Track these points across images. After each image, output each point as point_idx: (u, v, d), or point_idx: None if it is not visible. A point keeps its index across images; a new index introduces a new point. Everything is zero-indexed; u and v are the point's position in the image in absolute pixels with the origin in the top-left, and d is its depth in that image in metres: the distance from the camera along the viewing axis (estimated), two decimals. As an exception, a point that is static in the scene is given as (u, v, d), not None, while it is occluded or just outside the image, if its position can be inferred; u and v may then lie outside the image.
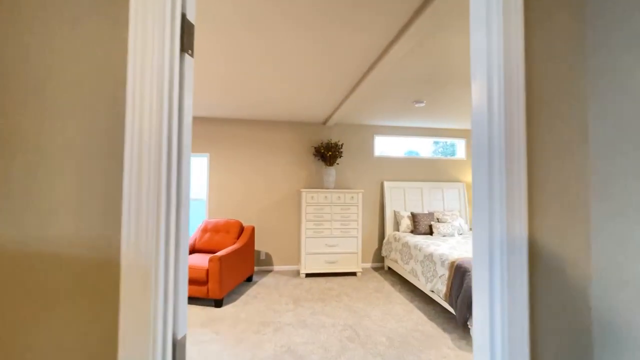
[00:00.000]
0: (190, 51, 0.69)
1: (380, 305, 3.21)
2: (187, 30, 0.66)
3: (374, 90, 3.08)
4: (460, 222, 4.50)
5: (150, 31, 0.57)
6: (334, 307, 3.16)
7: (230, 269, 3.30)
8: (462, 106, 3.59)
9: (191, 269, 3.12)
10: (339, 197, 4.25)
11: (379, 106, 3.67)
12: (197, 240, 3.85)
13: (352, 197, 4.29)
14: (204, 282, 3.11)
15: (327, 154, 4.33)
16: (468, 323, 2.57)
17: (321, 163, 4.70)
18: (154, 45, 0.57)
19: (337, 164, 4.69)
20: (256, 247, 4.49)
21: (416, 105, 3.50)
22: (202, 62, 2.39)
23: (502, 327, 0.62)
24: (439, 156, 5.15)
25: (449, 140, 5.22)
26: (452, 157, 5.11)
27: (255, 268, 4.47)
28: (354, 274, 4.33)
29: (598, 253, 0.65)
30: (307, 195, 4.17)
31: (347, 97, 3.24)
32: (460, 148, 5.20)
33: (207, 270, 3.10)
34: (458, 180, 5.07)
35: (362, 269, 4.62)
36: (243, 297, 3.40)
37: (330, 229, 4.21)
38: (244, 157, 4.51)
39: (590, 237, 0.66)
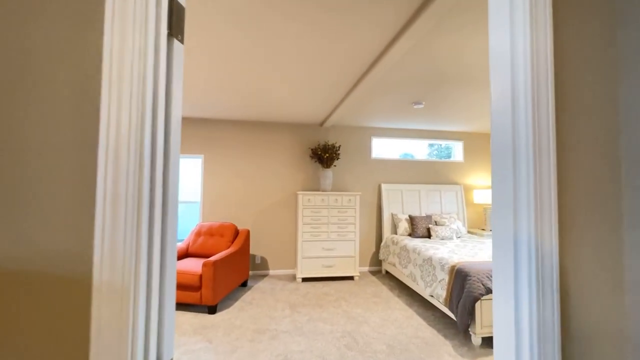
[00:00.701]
0: (180, 37, 0.61)
1: (379, 311, 3.14)
2: (176, 13, 0.58)
3: (372, 91, 3.02)
4: (458, 225, 4.46)
5: (131, 10, 0.49)
6: (332, 313, 3.07)
7: (224, 273, 3.20)
8: (461, 107, 3.56)
9: (183, 274, 3.00)
10: (336, 199, 4.18)
11: (377, 107, 3.62)
12: (190, 244, 3.73)
13: (350, 199, 4.22)
14: (197, 288, 3.00)
15: (324, 155, 4.26)
16: (469, 329, 2.51)
17: (318, 165, 4.62)
18: (135, 26, 0.49)
19: (334, 166, 4.62)
20: (251, 251, 4.38)
21: (415, 107, 3.45)
22: (195, 60, 2.30)
23: None
24: (436, 159, 5.11)
25: (445, 144, 5.19)
26: (450, 160, 5.08)
27: (251, 272, 4.37)
28: (351, 278, 4.25)
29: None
30: (304, 198, 4.09)
31: (344, 98, 3.17)
32: (457, 150, 5.17)
33: (201, 275, 2.99)
34: (455, 183, 5.04)
35: (360, 272, 4.54)
36: (238, 303, 3.30)
37: (327, 232, 4.13)
38: (239, 159, 4.41)
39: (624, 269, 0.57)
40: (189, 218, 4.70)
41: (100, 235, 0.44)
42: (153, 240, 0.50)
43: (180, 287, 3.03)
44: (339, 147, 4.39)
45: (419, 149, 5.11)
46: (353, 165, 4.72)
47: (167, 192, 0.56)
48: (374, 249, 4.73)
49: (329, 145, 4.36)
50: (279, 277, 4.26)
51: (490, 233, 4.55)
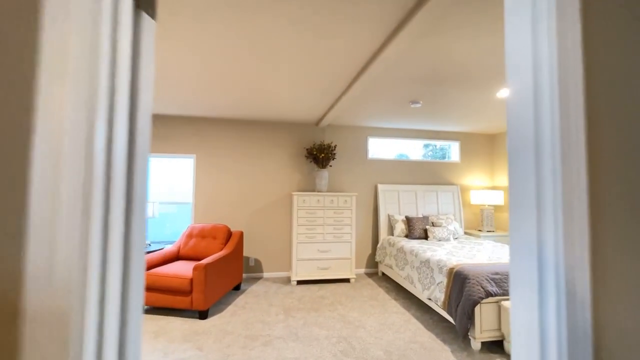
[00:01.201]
0: (150, 11, 0.52)
1: (376, 315, 3.06)
2: (143, -19, 0.49)
3: (369, 90, 2.95)
4: (455, 226, 4.41)
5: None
6: (328, 317, 2.99)
7: (216, 277, 3.09)
8: (459, 107, 3.51)
9: (173, 278, 2.89)
10: (332, 200, 4.10)
11: (373, 106, 3.55)
12: (181, 247, 3.62)
13: (346, 200, 4.14)
14: (188, 292, 2.89)
15: (320, 155, 4.18)
16: (469, 334, 2.44)
17: (313, 165, 4.54)
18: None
19: (330, 166, 4.54)
20: (245, 253, 4.28)
21: (412, 106, 3.39)
22: (185, 55, 2.21)
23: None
24: (433, 159, 5.06)
25: (440, 144, 5.14)
26: (446, 160, 5.04)
27: (244, 275, 4.26)
28: (347, 280, 4.17)
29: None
30: (299, 199, 4.00)
31: (340, 96, 3.10)
32: (454, 151, 5.13)
33: (191, 279, 2.88)
34: (452, 184, 4.99)
35: (356, 275, 4.47)
36: (230, 308, 3.20)
37: (323, 234, 4.04)
38: (232, 158, 4.31)
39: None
40: (181, 220, 4.58)
41: (35, 245, 0.35)
42: (110, 249, 0.42)
43: (170, 291, 2.92)
44: (335, 147, 4.31)
45: (414, 150, 5.06)
46: (349, 166, 4.64)
47: (132, 194, 0.47)
48: (370, 251, 4.65)
49: (324, 145, 4.28)
50: (273, 280, 4.16)
51: (488, 234, 4.52)
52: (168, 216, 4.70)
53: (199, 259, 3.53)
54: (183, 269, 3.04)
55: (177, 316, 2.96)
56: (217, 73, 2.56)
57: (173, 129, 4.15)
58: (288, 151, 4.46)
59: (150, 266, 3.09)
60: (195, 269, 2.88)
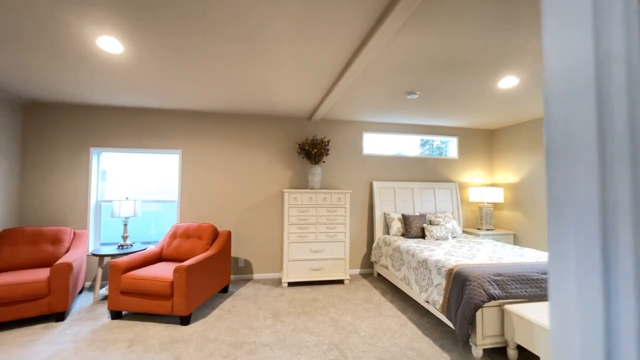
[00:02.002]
0: None
1: (370, 319, 2.88)
2: None
3: (363, 78, 2.76)
4: (454, 224, 4.24)
5: None
6: (319, 322, 2.80)
7: (200, 279, 2.89)
8: (458, 98, 3.33)
9: (153, 281, 2.69)
10: (325, 198, 3.91)
11: (368, 98, 3.36)
12: (164, 248, 3.41)
13: (340, 198, 3.95)
14: (168, 297, 2.69)
15: (312, 151, 3.98)
16: (470, 340, 2.26)
17: (306, 161, 4.34)
18: None
19: (323, 162, 4.35)
20: (234, 254, 4.08)
21: (409, 97, 3.21)
22: (171, 44, 2.00)
23: None
24: (430, 155, 4.89)
25: (437, 143, 4.97)
26: (444, 156, 4.87)
27: (233, 277, 4.06)
28: (341, 281, 3.99)
29: None
30: (290, 196, 3.80)
31: (333, 85, 2.90)
32: (452, 147, 4.96)
33: (172, 282, 2.68)
34: (450, 180, 4.82)
35: (350, 275, 4.28)
36: (216, 312, 3.00)
37: (316, 233, 3.85)
38: (220, 154, 4.10)
39: None
40: (166, 219, 4.36)
41: None
42: None
43: (149, 295, 2.71)
44: (328, 142, 4.11)
45: (411, 148, 4.88)
46: (343, 162, 4.45)
47: None
48: (365, 251, 4.47)
49: (317, 140, 4.09)
50: (263, 282, 3.96)
51: (487, 233, 4.35)
52: (153, 215, 4.49)
53: (182, 260, 3.32)
54: (164, 272, 2.83)
55: (157, 322, 2.76)
56: (203, 60, 2.35)
57: (157, 123, 3.94)
58: (279, 146, 4.26)
59: (130, 268, 2.88)
60: (176, 271, 2.68)
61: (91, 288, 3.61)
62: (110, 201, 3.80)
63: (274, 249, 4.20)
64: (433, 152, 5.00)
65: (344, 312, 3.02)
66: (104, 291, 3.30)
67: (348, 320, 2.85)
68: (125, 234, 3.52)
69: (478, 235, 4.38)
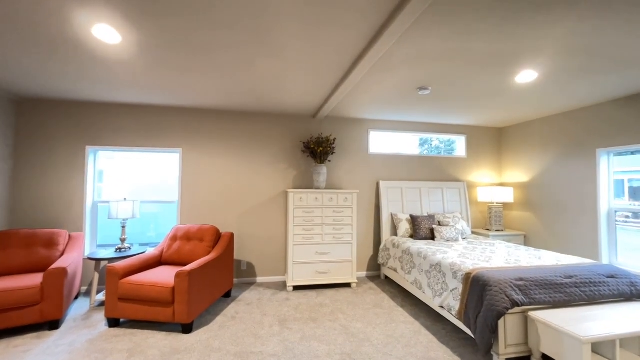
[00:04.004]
0: None
1: (382, 325, 2.74)
2: None
3: (374, 72, 2.62)
4: (463, 225, 4.11)
5: None
6: (328, 329, 2.65)
7: (202, 285, 2.74)
8: (470, 94, 3.19)
9: (153, 287, 2.53)
10: (331, 198, 3.76)
11: (378, 95, 3.22)
12: (164, 251, 3.26)
13: (346, 198, 3.81)
14: (169, 303, 2.53)
15: (318, 150, 3.84)
16: (493, 352, 2.13)
17: (311, 160, 4.20)
18: None
19: (329, 161, 4.21)
20: (236, 257, 3.93)
21: (420, 93, 3.07)
22: (171, 35, 1.85)
23: None
24: (437, 154, 4.75)
25: (436, 141, 4.84)
26: (452, 155, 4.74)
27: (235, 280, 3.91)
28: (348, 285, 3.85)
29: None
30: (295, 197, 3.66)
31: (342, 81, 2.76)
32: (460, 145, 4.83)
33: (173, 288, 2.53)
34: (458, 180, 4.69)
35: (357, 278, 4.14)
36: (219, 319, 2.85)
37: (322, 235, 3.71)
38: (222, 153, 3.95)
39: None
40: (166, 220, 4.21)
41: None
42: None
43: (149, 302, 2.56)
44: (334, 140, 3.97)
45: (411, 148, 4.75)
46: (349, 161, 4.32)
47: None
48: (371, 252, 4.33)
49: (322, 138, 3.94)
50: (267, 286, 3.82)
51: (497, 234, 4.23)
52: (152, 216, 4.33)
53: (183, 264, 3.17)
54: (164, 276, 2.68)
55: (158, 330, 2.60)
56: (205, 52, 2.20)
57: (157, 121, 3.78)
58: (283, 145, 4.12)
59: (128, 273, 2.73)
60: (177, 276, 2.53)
61: (87, 294, 3.46)
62: (108, 202, 3.64)
63: (278, 251, 4.05)
64: (432, 151, 4.86)
65: (354, 318, 2.87)
66: (101, 297, 3.15)
67: (359, 327, 2.70)
68: (124, 237, 3.36)
69: (488, 236, 4.25)
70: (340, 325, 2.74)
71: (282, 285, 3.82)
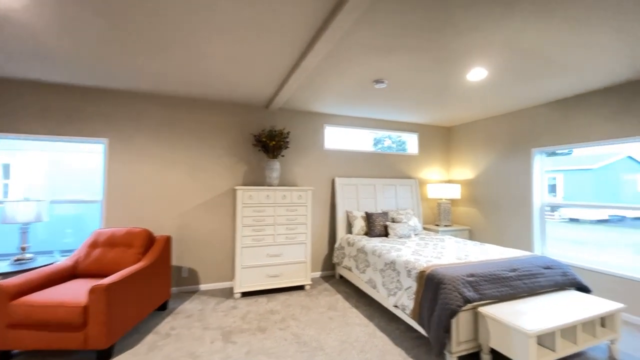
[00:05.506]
0: None
1: (336, 329, 2.58)
2: None
3: (328, 60, 2.43)
4: (415, 222, 4.17)
5: None
6: (278, 339, 2.41)
7: (128, 299, 2.30)
8: (426, 87, 3.19)
9: (56, 307, 2.03)
10: (284, 195, 3.51)
11: (333, 87, 3.04)
12: (80, 260, 2.70)
13: (300, 195, 3.59)
14: (80, 326, 2.06)
15: (270, 143, 3.55)
16: (445, 350, 2.09)
17: (263, 155, 3.89)
18: None
19: (282, 156, 3.94)
20: (175, 263, 3.47)
21: (376, 86, 2.97)
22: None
23: None
24: (392, 151, 4.78)
25: (393, 141, 4.90)
26: (406, 153, 4.80)
27: (174, 290, 3.45)
28: (301, 287, 3.64)
29: None
30: (244, 194, 3.33)
31: (294, 68, 2.53)
32: (412, 143, 4.92)
33: (85, 307, 2.06)
34: (410, 177, 4.78)
35: (311, 279, 3.96)
36: (149, 338, 2.43)
37: (274, 235, 3.44)
38: (158, 145, 3.44)
39: None
40: (86, 223, 3.57)
41: None
42: None
43: (52, 327, 2.05)
44: (288, 133, 3.72)
45: (367, 146, 4.72)
46: (304, 156, 4.10)
47: None
48: (326, 252, 4.19)
49: (276, 131, 3.67)
50: (212, 294, 3.43)
51: (445, 229, 4.38)
52: (69, 219, 3.64)
53: (105, 276, 2.66)
54: (75, 293, 2.19)
55: (63, 358, 2.11)
56: (136, 27, 1.78)
57: (77, 104, 3.14)
58: (231, 137, 3.74)
59: (24, 291, 2.16)
60: (92, 292, 2.06)
61: (-28, 318, 2.73)
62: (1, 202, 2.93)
63: (225, 254, 3.68)
64: (385, 150, 4.90)
65: (307, 324, 2.68)
66: (-10, 322, 2.49)
67: (311, 334, 2.51)
68: (25, 244, 2.72)
69: (437, 231, 4.38)
70: (292, 333, 2.51)
71: (229, 292, 3.47)
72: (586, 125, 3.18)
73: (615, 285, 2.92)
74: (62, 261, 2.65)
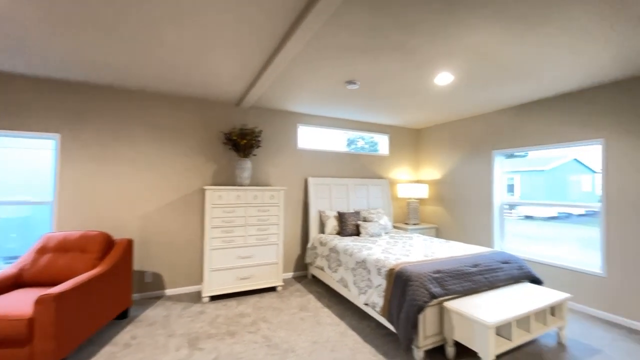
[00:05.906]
0: None
1: (308, 330, 2.57)
2: None
3: (299, 59, 2.41)
4: (386, 220, 4.27)
5: None
6: (247, 343, 2.35)
7: (81, 309, 2.12)
8: (397, 90, 3.27)
9: (-4, 321, 1.82)
10: (256, 196, 3.44)
11: (305, 86, 3.03)
12: (26, 268, 2.45)
13: (272, 195, 3.53)
14: (24, 342, 1.86)
15: (241, 142, 3.46)
16: (413, 345, 2.16)
17: (233, 154, 3.78)
18: None
19: (254, 155, 3.86)
20: (138, 267, 3.26)
21: (349, 87, 3.00)
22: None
23: None
24: (365, 152, 4.87)
25: (366, 141, 5.00)
26: (376, 153, 4.91)
27: (137, 296, 3.25)
28: (273, 289, 3.59)
29: None
30: (214, 195, 3.22)
31: (265, 65, 2.48)
32: (383, 144, 5.04)
33: (31, 319, 1.87)
34: (381, 177, 4.89)
35: (283, 280, 3.92)
36: (107, 349, 2.26)
37: (244, 237, 3.36)
38: (118, 142, 3.21)
39: None
40: (34, 227, 3.26)
41: None
42: None
43: (-10, 343, 1.84)
44: (260, 132, 3.64)
45: (341, 146, 4.77)
46: (276, 156, 4.04)
47: None
48: (299, 252, 4.16)
49: (247, 129, 3.58)
50: (178, 298, 3.28)
51: (414, 227, 4.53)
52: (13, 222, 3.29)
53: (56, 284, 2.43)
54: (19, 304, 1.98)
55: (6, 379, 1.90)
56: (88, 12, 1.63)
57: (24, 96, 2.84)
58: (200, 135, 3.59)
59: (-45, 305, 1.92)
60: (38, 302, 1.87)
61: None
62: None
63: (192, 257, 3.53)
64: (358, 151, 4.98)
65: (278, 326, 2.64)
66: None
67: (282, 336, 2.48)
68: (-43, 252, 2.41)
69: (407, 230, 4.53)
70: (262, 336, 2.46)
71: (197, 297, 3.33)
72: (541, 130, 3.45)
73: (563, 276, 3.19)
74: (4, 269, 2.39)
